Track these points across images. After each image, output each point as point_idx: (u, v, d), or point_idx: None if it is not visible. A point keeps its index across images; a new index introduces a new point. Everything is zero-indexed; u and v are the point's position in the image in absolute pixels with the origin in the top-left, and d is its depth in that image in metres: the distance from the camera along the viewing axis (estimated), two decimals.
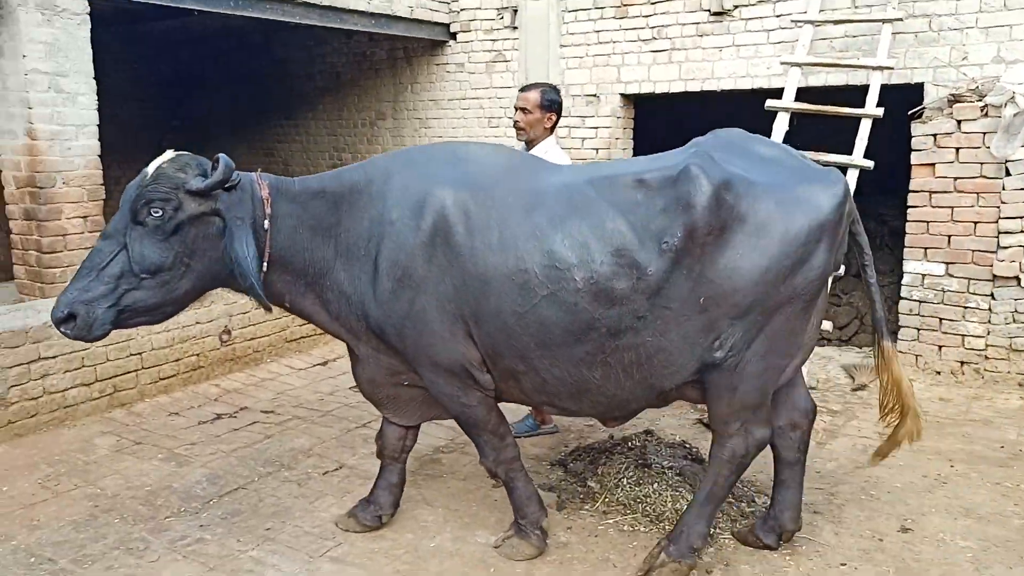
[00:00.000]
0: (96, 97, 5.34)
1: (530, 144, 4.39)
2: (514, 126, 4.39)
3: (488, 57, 7.94)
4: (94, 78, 5.34)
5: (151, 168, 2.86)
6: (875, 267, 3.29)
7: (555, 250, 2.83)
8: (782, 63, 5.84)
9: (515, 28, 7.66)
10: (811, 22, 5.77)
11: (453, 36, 8.12)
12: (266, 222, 2.96)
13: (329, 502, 3.80)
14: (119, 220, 2.84)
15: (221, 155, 2.83)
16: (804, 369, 3.43)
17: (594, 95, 7.28)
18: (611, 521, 3.56)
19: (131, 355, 5.21)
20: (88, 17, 5.24)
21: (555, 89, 4.42)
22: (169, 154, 2.92)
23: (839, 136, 5.53)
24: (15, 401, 4.54)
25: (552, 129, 4.39)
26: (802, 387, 3.32)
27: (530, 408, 4.55)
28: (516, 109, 4.35)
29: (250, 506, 3.75)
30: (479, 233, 2.91)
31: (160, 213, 2.78)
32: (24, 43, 4.88)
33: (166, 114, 11.30)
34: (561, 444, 4.48)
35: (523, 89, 4.39)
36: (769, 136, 5.31)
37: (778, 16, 6.23)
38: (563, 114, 7.42)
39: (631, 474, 3.86)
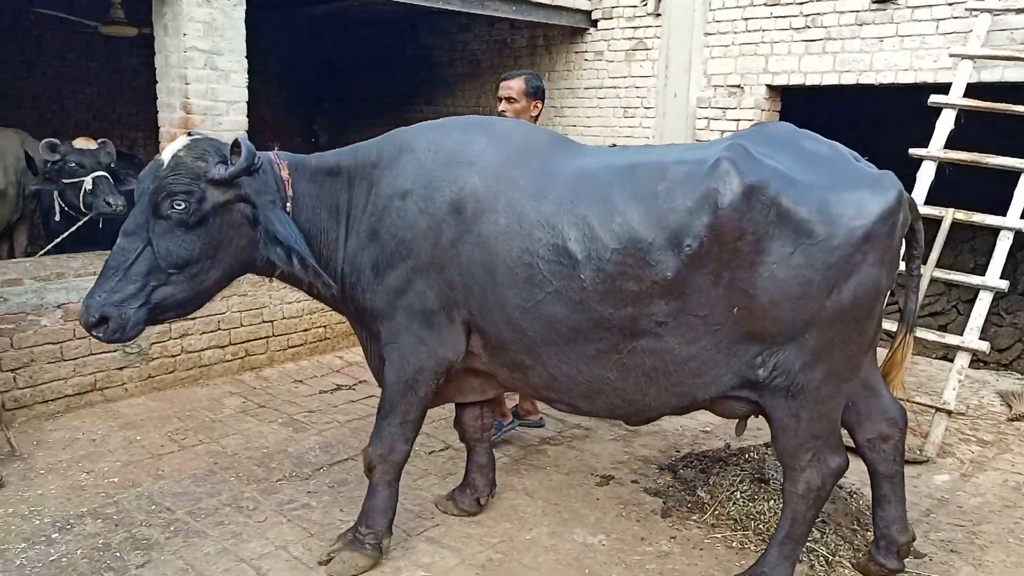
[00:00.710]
0: (247, 75, 5.60)
1: None
2: (500, 115, 4.14)
3: (628, 45, 7.74)
4: (247, 58, 5.61)
5: (166, 156, 2.72)
6: None
7: (561, 243, 2.63)
8: (951, 55, 5.31)
9: (658, 15, 7.41)
10: (989, 11, 5.21)
11: (594, 23, 7.98)
12: (288, 204, 2.85)
13: (431, 481, 3.81)
14: (139, 215, 2.69)
15: (241, 138, 2.70)
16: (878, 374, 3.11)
17: (737, 86, 6.94)
18: (719, 535, 3.36)
19: (263, 322, 5.47)
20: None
21: (538, 76, 4.26)
22: (183, 140, 2.78)
23: (1014, 138, 4.97)
24: (156, 357, 4.86)
25: (537, 118, 4.20)
26: (885, 394, 3.01)
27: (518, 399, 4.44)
28: (501, 99, 4.15)
29: (357, 477, 3.81)
30: (487, 217, 2.73)
31: (183, 206, 2.64)
32: (185, 22, 5.17)
33: (316, 96, 11.83)
34: (672, 448, 4.29)
35: (506, 77, 4.19)
36: (930, 136, 4.86)
37: (950, 4, 5.66)
38: (703, 105, 7.21)
39: (746, 488, 3.63)
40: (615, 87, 7.94)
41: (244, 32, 5.52)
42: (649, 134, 7.76)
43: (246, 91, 5.59)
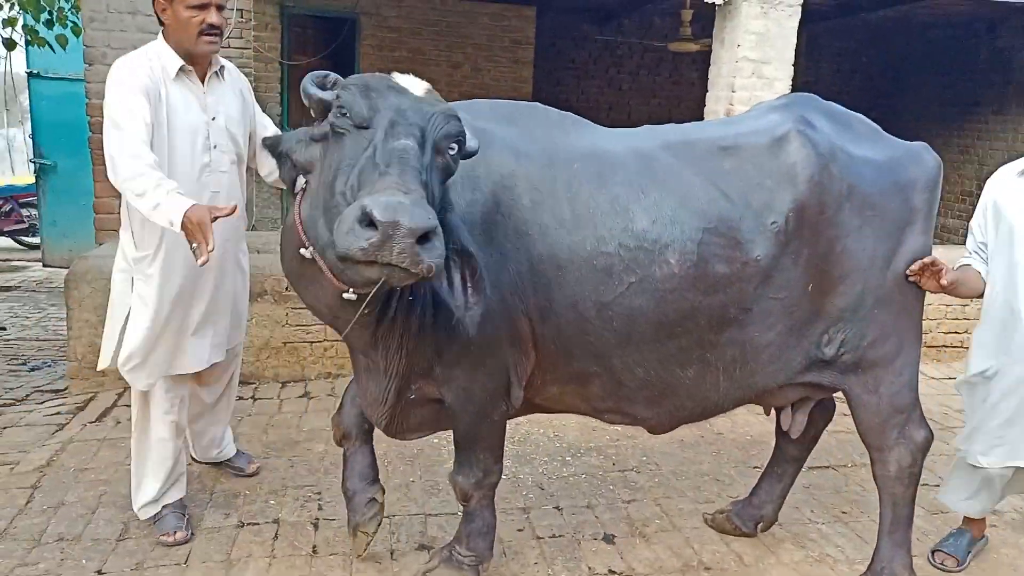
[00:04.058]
0: (791, 83, 5.78)
1: None
2: None
3: None
4: (794, 66, 5.79)
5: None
6: None
7: (642, 228, 2.37)
8: None
9: None
10: None
11: None
12: None
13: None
14: None
15: None
16: None
17: None
18: None
19: None
20: (799, 9, 5.66)
21: None
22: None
23: None
24: None
25: None
26: None
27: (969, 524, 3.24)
28: None
29: (833, 486, 3.77)
30: (548, 206, 2.37)
31: None
32: (741, 34, 5.58)
33: (866, 104, 11.37)
34: None
35: None
36: None
37: None
38: None
39: None
40: None
41: (794, 41, 5.70)
42: None
43: None
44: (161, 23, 2.81)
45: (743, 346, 2.53)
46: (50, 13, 6.79)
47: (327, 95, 2.11)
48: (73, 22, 6.87)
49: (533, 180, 2.39)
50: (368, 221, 1.70)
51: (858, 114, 2.81)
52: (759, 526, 3.23)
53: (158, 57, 2.77)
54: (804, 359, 2.64)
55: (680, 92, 11.15)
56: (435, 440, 4.04)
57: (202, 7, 2.71)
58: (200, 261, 2.44)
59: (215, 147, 2.90)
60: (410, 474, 3.68)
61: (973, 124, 9.35)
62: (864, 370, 2.66)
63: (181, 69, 2.79)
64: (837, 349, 2.62)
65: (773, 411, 3.10)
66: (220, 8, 2.76)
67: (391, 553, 3.03)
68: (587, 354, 2.48)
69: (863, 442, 2.84)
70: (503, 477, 3.40)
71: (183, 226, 2.45)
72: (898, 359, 2.68)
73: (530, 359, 2.51)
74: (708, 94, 6.00)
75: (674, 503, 3.53)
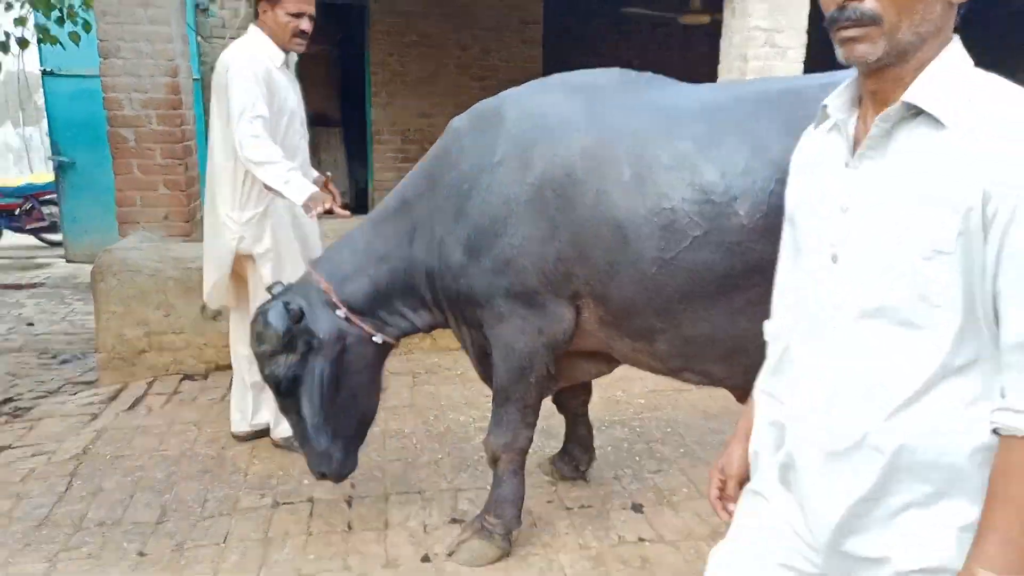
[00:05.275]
0: (804, 51, 5.74)
1: (882, 61, 1.25)
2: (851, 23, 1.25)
3: None
4: (809, 32, 5.74)
5: None
6: None
7: (710, 180, 2.32)
8: None
9: None
10: None
11: None
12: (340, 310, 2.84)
13: None
14: None
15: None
16: None
17: None
18: None
19: None
20: None
21: None
22: None
23: None
24: None
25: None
26: None
27: None
28: None
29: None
30: (606, 170, 2.44)
31: None
32: (752, 3, 5.55)
33: None
34: None
35: None
36: None
37: None
38: None
39: None
40: None
41: (807, 9, 5.65)
42: None
43: (801, 66, 5.73)
44: (256, 16, 3.34)
45: None
46: (61, 11, 6.84)
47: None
48: (84, 19, 6.91)
49: (588, 148, 2.48)
50: None
51: None
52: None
53: (265, 48, 3.30)
54: None
55: (690, 66, 10.99)
56: (462, 418, 4.10)
57: (298, 16, 3.27)
58: (311, 214, 3.15)
59: (302, 123, 3.54)
60: (439, 451, 3.73)
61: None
62: None
63: (282, 59, 3.36)
64: None
65: None
66: (311, 18, 3.33)
67: (424, 527, 3.08)
68: (651, 311, 2.53)
69: None
70: (531, 452, 3.51)
71: (304, 202, 3.08)
72: None
73: (591, 315, 2.63)
74: (720, 66, 5.98)
75: (700, 472, 3.56)
